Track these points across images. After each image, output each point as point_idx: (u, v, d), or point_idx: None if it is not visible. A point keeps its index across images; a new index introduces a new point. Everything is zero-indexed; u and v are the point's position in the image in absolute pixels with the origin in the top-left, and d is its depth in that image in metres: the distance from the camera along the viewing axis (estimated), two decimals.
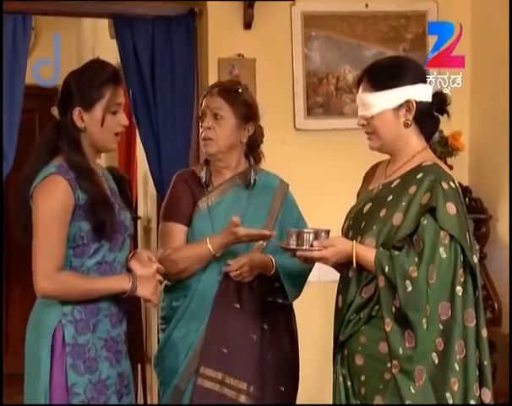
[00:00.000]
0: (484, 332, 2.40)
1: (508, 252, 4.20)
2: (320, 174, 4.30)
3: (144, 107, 4.21)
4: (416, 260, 2.35)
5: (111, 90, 2.60)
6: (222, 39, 4.24)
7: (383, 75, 2.53)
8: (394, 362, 2.33)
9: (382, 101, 2.49)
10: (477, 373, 2.37)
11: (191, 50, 4.27)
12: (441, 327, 2.34)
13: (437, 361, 2.32)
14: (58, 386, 2.53)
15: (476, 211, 4.31)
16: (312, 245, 2.49)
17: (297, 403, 3.11)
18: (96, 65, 2.74)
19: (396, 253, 2.40)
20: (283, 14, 4.29)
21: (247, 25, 4.23)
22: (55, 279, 2.51)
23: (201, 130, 2.98)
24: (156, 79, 4.19)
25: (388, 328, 2.36)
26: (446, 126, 4.06)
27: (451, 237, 2.36)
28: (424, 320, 2.32)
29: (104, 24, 5.45)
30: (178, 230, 2.95)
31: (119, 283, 2.58)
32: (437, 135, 4.12)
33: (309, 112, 4.34)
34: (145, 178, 4.98)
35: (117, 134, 2.65)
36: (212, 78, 4.15)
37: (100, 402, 2.57)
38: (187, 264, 2.88)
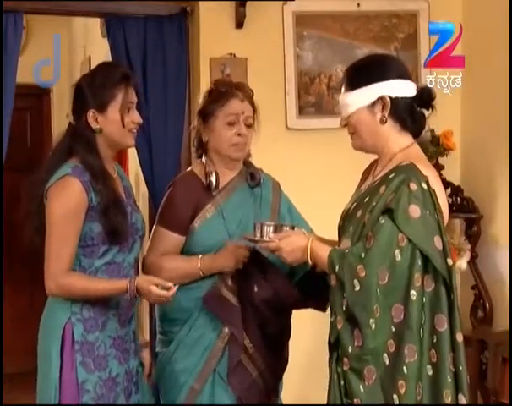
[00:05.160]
0: (459, 337, 2.33)
1: (498, 251, 4.22)
2: (312, 173, 4.30)
3: (136, 107, 4.20)
4: (363, 255, 2.32)
5: (122, 90, 2.65)
6: (214, 38, 4.24)
7: (357, 74, 2.52)
8: (345, 360, 2.33)
9: (357, 100, 2.49)
10: (450, 379, 2.31)
11: (183, 49, 4.27)
12: (393, 329, 2.30)
13: (388, 362, 2.30)
14: (69, 383, 2.58)
15: (467, 210, 4.32)
16: (269, 237, 2.62)
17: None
18: (107, 67, 2.80)
19: (347, 251, 2.38)
20: (275, 14, 4.29)
21: (239, 25, 4.23)
22: (61, 281, 2.57)
23: (230, 134, 2.92)
24: (148, 79, 4.18)
25: (339, 326, 2.35)
26: (438, 125, 4.10)
27: (410, 240, 2.31)
28: (372, 320, 2.29)
29: (95, 22, 5.45)
30: (171, 239, 2.92)
31: (120, 286, 2.61)
32: (428, 135, 4.13)
33: (301, 111, 4.34)
34: (137, 177, 4.97)
35: (131, 131, 2.70)
36: (204, 77, 4.15)
37: (110, 398, 2.63)
38: (170, 275, 2.79)
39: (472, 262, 4.29)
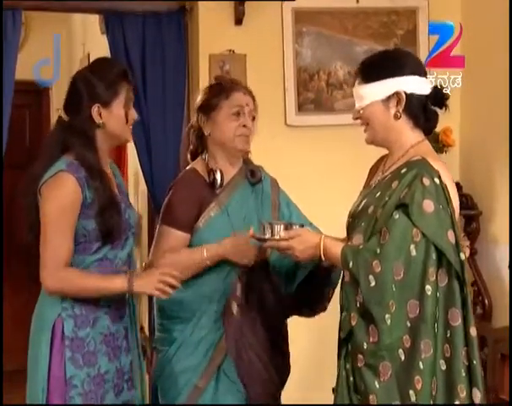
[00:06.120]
0: (473, 331, 2.34)
1: (497, 248, 4.22)
2: (311, 170, 4.30)
3: (135, 103, 4.19)
4: (378, 251, 2.32)
5: (125, 86, 2.68)
6: (213, 35, 4.24)
7: (373, 67, 2.52)
8: (360, 356, 2.33)
9: (372, 93, 2.48)
10: (464, 373, 2.32)
11: (182, 46, 4.26)
12: (409, 325, 2.30)
13: (403, 358, 2.30)
14: (56, 379, 2.57)
15: (466, 206, 4.32)
16: (280, 236, 2.59)
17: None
18: (106, 63, 2.81)
19: (361, 246, 2.38)
20: (274, 10, 4.29)
21: (238, 21, 4.23)
22: (58, 276, 2.57)
23: (235, 125, 2.92)
24: (147, 76, 4.18)
25: (353, 322, 2.34)
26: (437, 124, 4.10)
27: (424, 235, 2.32)
28: (388, 315, 2.29)
29: (95, 19, 5.44)
30: (176, 237, 2.89)
31: (118, 283, 2.61)
32: None
33: (300, 108, 4.34)
34: (136, 175, 4.97)
35: (129, 127, 2.73)
36: (203, 74, 4.15)
37: (98, 395, 2.62)
38: (175, 268, 2.74)
39: (471, 259, 4.29)
